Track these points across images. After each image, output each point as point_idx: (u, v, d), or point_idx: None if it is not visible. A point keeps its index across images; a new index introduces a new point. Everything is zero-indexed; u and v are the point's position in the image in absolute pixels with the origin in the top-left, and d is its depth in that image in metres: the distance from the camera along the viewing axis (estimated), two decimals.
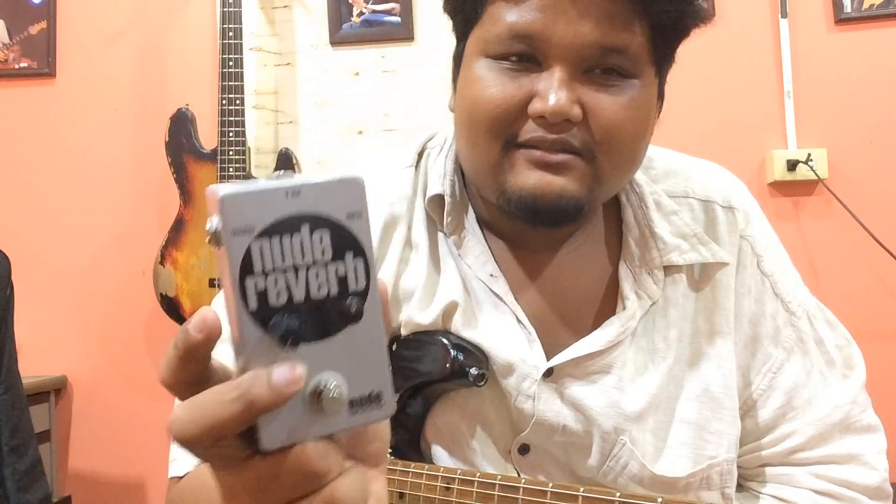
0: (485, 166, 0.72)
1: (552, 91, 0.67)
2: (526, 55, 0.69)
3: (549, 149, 0.69)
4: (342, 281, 0.37)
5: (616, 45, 0.68)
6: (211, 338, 0.35)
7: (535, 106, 0.68)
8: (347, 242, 0.37)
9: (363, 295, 0.38)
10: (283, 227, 0.36)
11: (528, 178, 0.70)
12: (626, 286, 0.78)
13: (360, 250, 0.38)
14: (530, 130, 0.69)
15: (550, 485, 0.70)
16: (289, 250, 0.36)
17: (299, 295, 0.36)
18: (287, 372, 0.35)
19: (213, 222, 0.35)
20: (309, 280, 0.37)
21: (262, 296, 0.36)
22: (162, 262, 2.03)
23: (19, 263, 1.72)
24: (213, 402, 0.35)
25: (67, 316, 2.24)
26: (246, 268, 0.35)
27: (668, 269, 0.79)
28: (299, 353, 0.36)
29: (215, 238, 0.36)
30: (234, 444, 0.37)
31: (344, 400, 0.37)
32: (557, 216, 0.71)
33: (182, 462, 0.78)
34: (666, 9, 0.69)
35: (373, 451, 0.43)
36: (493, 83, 0.70)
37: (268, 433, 0.36)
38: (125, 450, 2.21)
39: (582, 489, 0.69)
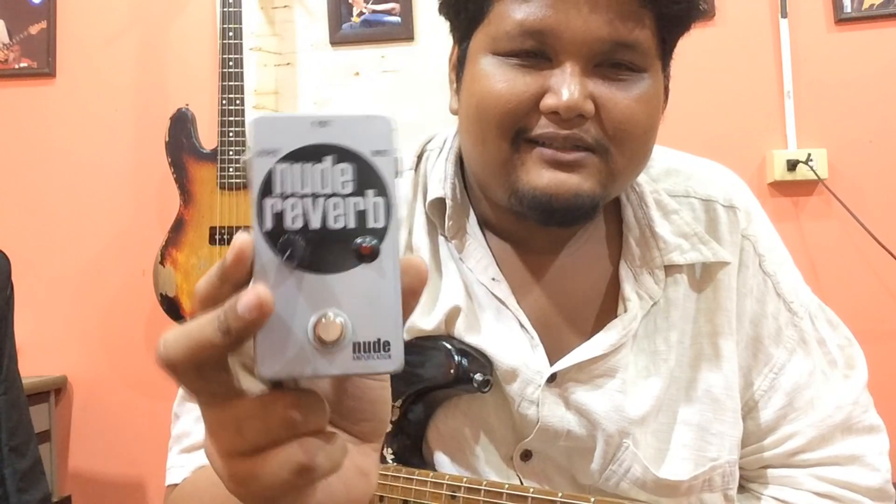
0: (494, 164, 0.71)
1: (565, 86, 0.67)
2: (535, 51, 0.69)
3: (561, 146, 0.68)
4: (360, 216, 0.37)
5: (627, 39, 0.68)
6: (241, 262, 0.36)
7: (548, 101, 0.67)
8: (370, 179, 0.37)
9: (380, 234, 0.37)
10: (307, 155, 0.37)
11: (540, 176, 0.69)
12: (627, 287, 0.78)
13: (382, 189, 0.37)
14: (542, 126, 0.68)
15: (560, 494, 0.69)
16: (310, 178, 0.36)
17: (315, 222, 0.36)
18: (252, 297, 0.34)
19: (246, 152, 0.36)
20: (326, 209, 0.36)
21: (278, 217, 0.36)
22: (162, 262, 2.03)
23: (19, 263, 1.72)
24: (197, 326, 0.36)
25: (67, 316, 2.24)
26: (266, 188, 0.36)
27: (669, 269, 0.79)
28: (307, 283, 0.36)
29: (245, 166, 0.36)
30: (219, 377, 0.37)
31: (347, 339, 0.36)
32: (572, 215, 0.70)
33: (179, 469, 0.78)
34: (674, 2, 0.69)
35: (367, 429, 0.43)
36: (503, 79, 0.69)
37: (266, 362, 0.36)
38: (125, 450, 2.21)
39: (593, 499, 0.68)
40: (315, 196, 0.36)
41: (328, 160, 0.37)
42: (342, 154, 0.37)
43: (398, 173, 0.38)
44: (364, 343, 0.37)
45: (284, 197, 0.36)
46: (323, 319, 0.36)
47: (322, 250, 0.36)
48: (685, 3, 0.69)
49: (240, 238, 0.36)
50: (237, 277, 0.36)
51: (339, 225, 0.37)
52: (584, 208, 0.70)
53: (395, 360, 0.37)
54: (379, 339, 0.37)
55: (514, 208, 0.72)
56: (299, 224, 0.36)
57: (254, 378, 0.39)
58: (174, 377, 0.37)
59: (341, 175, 0.37)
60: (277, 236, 0.36)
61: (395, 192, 0.37)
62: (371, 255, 0.36)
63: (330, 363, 0.36)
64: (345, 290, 0.36)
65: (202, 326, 0.35)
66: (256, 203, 0.36)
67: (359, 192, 0.37)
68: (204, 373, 0.37)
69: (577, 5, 0.67)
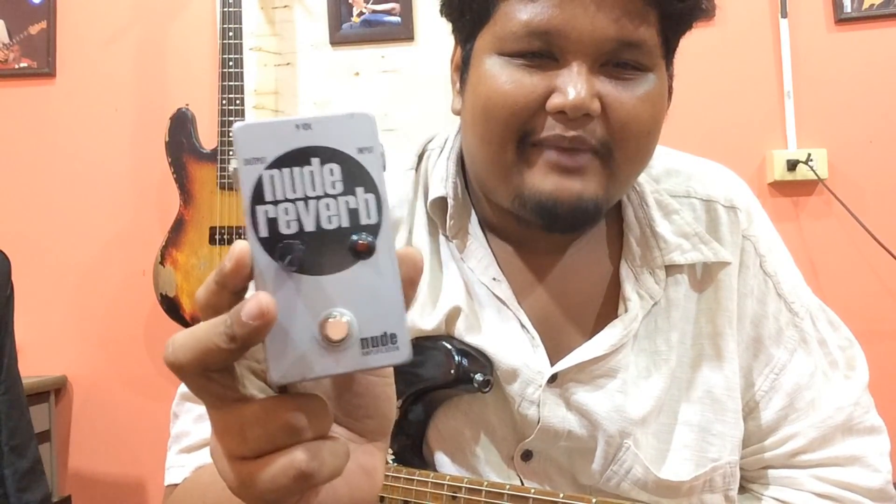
0: (500, 166, 0.71)
1: (571, 85, 0.67)
2: (542, 51, 0.69)
3: (566, 148, 0.68)
4: (353, 214, 0.37)
5: (634, 39, 0.68)
6: (240, 269, 0.36)
7: (555, 101, 0.67)
8: (358, 177, 0.38)
9: (374, 230, 0.37)
10: (294, 159, 0.37)
11: (545, 182, 0.69)
12: (628, 286, 0.78)
13: (371, 185, 0.38)
14: (548, 128, 0.68)
15: (561, 495, 0.69)
16: (300, 181, 0.37)
17: (309, 225, 0.37)
18: (254, 305, 0.34)
19: (234, 161, 0.36)
20: (319, 211, 0.37)
21: (273, 223, 0.37)
22: (162, 262, 2.02)
23: (19, 263, 1.71)
24: (204, 331, 0.36)
25: (67, 316, 2.24)
26: (257, 196, 0.37)
27: (670, 269, 0.79)
28: (309, 285, 0.37)
29: (234, 176, 0.37)
30: (224, 381, 0.38)
31: (354, 336, 0.37)
32: (576, 220, 0.70)
33: (179, 469, 0.78)
34: (679, 1, 0.69)
35: (371, 427, 0.43)
36: (509, 80, 0.69)
37: (276, 366, 0.36)
38: (125, 450, 2.21)
39: (594, 500, 0.68)
40: (307, 199, 0.37)
41: (315, 162, 0.37)
42: (328, 155, 0.37)
43: (384, 168, 0.38)
44: (371, 338, 0.37)
45: (276, 203, 0.37)
46: (329, 319, 0.36)
47: (319, 252, 0.37)
48: (690, 1, 0.69)
49: (238, 246, 0.36)
50: (236, 284, 0.37)
51: (334, 225, 0.37)
52: (589, 213, 0.70)
53: (404, 352, 0.37)
54: (385, 333, 0.37)
55: (518, 212, 0.72)
56: (294, 228, 0.37)
57: (260, 382, 0.39)
58: (181, 379, 0.38)
59: (330, 175, 0.37)
60: (274, 242, 0.36)
61: (384, 186, 0.38)
62: (367, 252, 0.37)
63: (340, 361, 0.37)
64: (346, 289, 0.37)
65: (209, 332, 0.36)
66: (249, 211, 0.36)
67: (349, 190, 0.37)
68: (210, 376, 0.37)
69: (583, 4, 0.66)
